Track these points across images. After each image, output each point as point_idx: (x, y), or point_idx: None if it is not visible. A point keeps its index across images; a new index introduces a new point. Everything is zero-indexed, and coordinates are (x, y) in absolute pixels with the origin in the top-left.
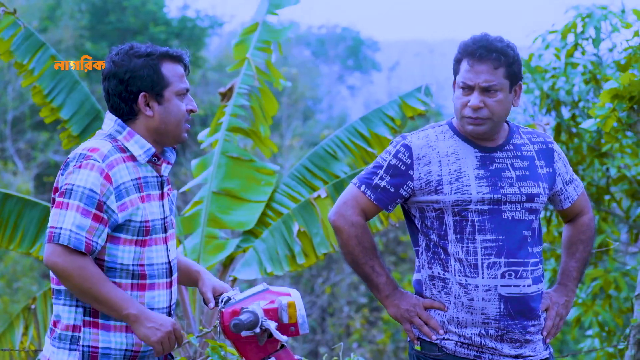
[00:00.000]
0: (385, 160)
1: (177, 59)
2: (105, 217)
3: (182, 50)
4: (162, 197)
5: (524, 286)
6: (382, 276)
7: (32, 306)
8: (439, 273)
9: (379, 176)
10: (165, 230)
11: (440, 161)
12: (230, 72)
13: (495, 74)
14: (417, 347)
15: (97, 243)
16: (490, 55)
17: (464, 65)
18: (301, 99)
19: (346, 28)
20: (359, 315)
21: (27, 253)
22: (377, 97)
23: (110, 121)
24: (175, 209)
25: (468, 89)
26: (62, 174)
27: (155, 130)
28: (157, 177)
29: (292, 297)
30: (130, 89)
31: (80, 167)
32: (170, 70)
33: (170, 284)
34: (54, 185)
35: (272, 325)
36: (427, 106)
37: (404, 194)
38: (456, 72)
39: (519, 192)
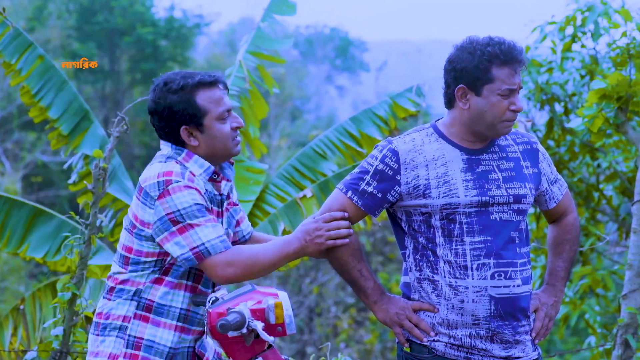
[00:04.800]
0: (372, 165)
1: (211, 84)
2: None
3: (216, 72)
4: (220, 214)
5: (513, 286)
6: (370, 280)
7: (21, 307)
8: (427, 275)
9: (365, 182)
10: None
11: (427, 165)
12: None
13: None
14: (406, 349)
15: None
16: (524, 60)
17: (505, 72)
18: (289, 99)
19: (334, 28)
20: (347, 316)
21: (14, 253)
22: (365, 97)
23: (166, 146)
24: (234, 222)
25: (510, 93)
26: (145, 203)
27: (205, 155)
28: (217, 195)
29: (279, 297)
30: (171, 124)
31: (168, 193)
32: (206, 98)
33: (213, 285)
34: (132, 212)
35: (258, 325)
36: (418, 106)
37: (391, 199)
38: (487, 80)
39: (506, 194)
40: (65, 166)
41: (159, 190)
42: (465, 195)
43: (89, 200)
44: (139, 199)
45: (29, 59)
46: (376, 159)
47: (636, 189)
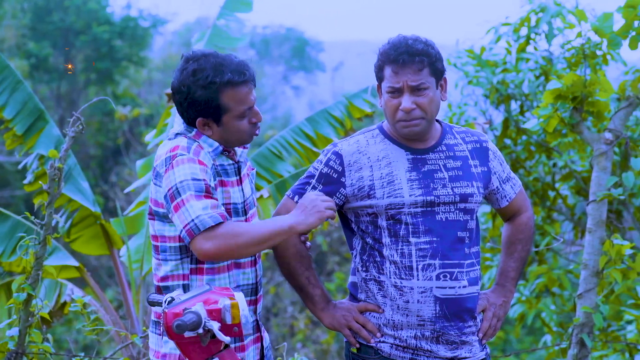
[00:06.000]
0: (317, 169)
1: (240, 84)
2: (215, 197)
3: (248, 68)
4: (240, 182)
5: (459, 287)
6: (317, 288)
7: None
8: (374, 276)
9: (311, 186)
10: (245, 212)
11: (371, 166)
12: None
13: (420, 74)
14: (353, 350)
15: (224, 211)
16: (414, 59)
17: (388, 72)
18: None
19: (291, 28)
20: (303, 316)
21: None
22: (322, 98)
23: (179, 125)
24: (254, 186)
25: (396, 92)
26: (156, 183)
27: (217, 142)
28: (233, 164)
29: (235, 297)
30: (189, 112)
31: (172, 167)
32: (230, 97)
33: (254, 262)
34: (150, 197)
35: (215, 326)
36: (373, 107)
37: (337, 201)
38: (380, 78)
39: (452, 193)
40: (20, 166)
41: (165, 166)
42: (410, 195)
43: (44, 201)
44: (153, 182)
45: None
46: (321, 162)
47: (591, 189)
